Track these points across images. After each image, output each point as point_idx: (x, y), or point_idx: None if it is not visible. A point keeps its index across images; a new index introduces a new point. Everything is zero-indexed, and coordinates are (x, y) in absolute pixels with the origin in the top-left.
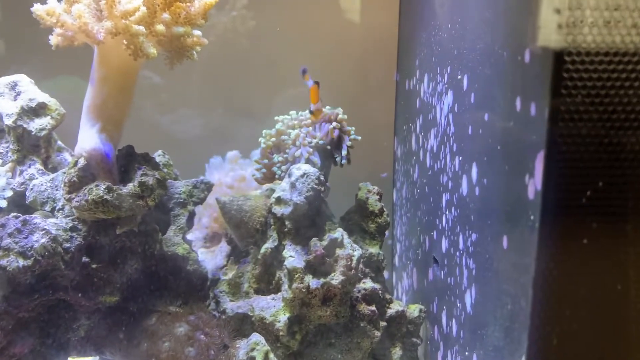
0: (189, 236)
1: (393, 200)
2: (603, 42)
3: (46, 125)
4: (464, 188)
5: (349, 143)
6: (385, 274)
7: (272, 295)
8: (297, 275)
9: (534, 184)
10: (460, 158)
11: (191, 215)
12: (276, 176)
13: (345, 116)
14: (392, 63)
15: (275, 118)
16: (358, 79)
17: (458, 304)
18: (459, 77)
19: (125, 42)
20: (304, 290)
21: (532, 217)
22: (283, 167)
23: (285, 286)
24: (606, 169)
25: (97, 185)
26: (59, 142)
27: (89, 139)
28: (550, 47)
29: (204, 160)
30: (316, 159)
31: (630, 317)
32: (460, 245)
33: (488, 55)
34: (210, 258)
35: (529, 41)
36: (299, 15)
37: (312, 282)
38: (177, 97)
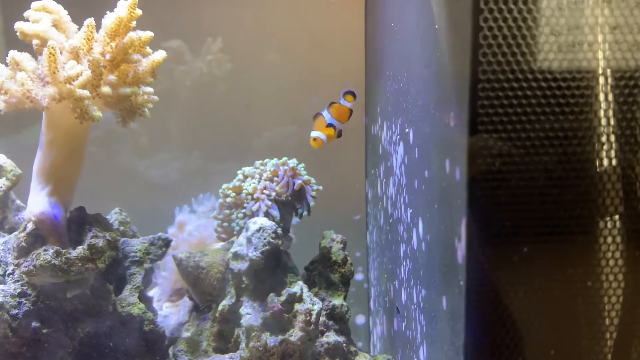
0: (154, 290)
1: (367, 243)
2: (516, 112)
3: (1, 187)
4: (414, 241)
5: (313, 193)
6: (363, 318)
7: (230, 354)
8: (253, 334)
9: (462, 248)
10: (411, 211)
11: (148, 273)
12: (234, 232)
13: (301, 165)
14: (361, 105)
15: (238, 171)
16: None
17: (415, 359)
18: (407, 130)
19: (71, 106)
20: (260, 348)
21: (461, 283)
22: (241, 222)
23: (242, 345)
24: (531, 237)
25: (45, 250)
26: (17, 202)
27: (37, 202)
28: (465, 114)
29: (182, 205)
30: (275, 212)
31: None
32: (414, 299)
33: (425, 113)
34: (175, 312)
35: (453, 105)
36: (273, 60)
37: (270, 339)
38: (154, 142)
